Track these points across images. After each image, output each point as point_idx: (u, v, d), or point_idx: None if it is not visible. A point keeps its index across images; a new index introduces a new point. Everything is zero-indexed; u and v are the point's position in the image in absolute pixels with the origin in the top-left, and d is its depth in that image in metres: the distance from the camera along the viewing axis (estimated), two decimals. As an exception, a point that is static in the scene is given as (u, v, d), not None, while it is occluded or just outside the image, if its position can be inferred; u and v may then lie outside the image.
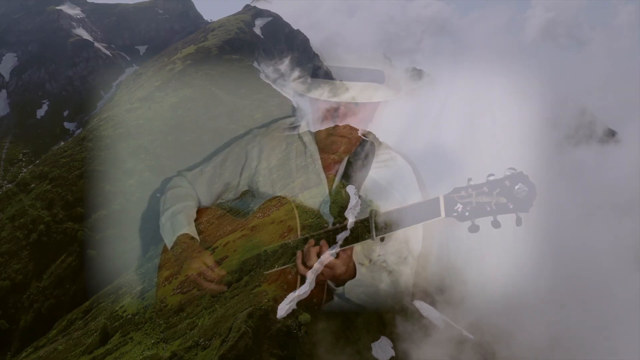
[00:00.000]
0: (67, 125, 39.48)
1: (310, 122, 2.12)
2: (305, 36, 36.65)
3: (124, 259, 25.66)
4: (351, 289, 1.83)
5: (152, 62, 38.47)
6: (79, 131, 37.07)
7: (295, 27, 37.60)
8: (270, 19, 37.52)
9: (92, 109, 40.77)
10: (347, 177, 2.00)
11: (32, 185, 31.86)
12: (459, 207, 1.40)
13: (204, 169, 2.24)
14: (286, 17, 37.51)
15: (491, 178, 1.38)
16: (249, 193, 2.20)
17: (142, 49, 46.17)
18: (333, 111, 1.97)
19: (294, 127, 2.20)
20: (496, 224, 1.36)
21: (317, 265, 1.69)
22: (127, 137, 30.32)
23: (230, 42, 33.93)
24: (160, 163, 28.16)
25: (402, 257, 1.92)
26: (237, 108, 29.25)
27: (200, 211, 2.22)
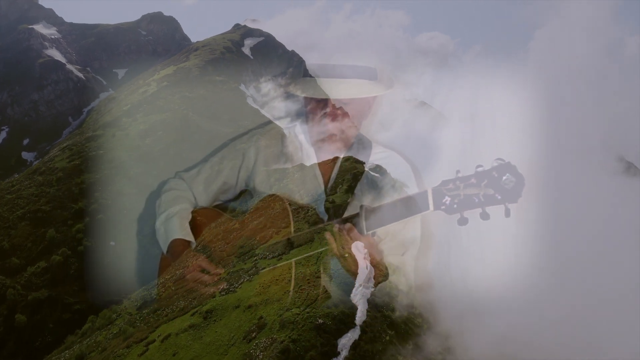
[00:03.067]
0: (25, 155, 34.45)
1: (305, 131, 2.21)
2: (300, 57, 32.29)
3: (57, 329, 20.21)
4: (380, 290, 1.73)
5: (127, 86, 33.89)
6: (37, 162, 32.04)
7: (289, 48, 33.21)
8: (261, 38, 33.26)
9: (56, 137, 35.86)
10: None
11: (-32, 226, 26.37)
12: (447, 199, 1.37)
13: (202, 170, 2.23)
14: (280, 38, 33.24)
15: (479, 169, 1.35)
16: (247, 193, 2.21)
17: (120, 72, 41.79)
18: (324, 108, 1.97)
19: (291, 127, 2.24)
20: (485, 216, 1.33)
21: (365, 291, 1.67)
22: (81, 170, 25.27)
23: (214, 62, 29.39)
24: (118, 204, 23.07)
25: (400, 253, 1.93)
26: (218, 136, 24.20)
27: (196, 213, 2.13)
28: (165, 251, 2.13)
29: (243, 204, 2.19)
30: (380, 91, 2.06)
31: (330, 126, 2.08)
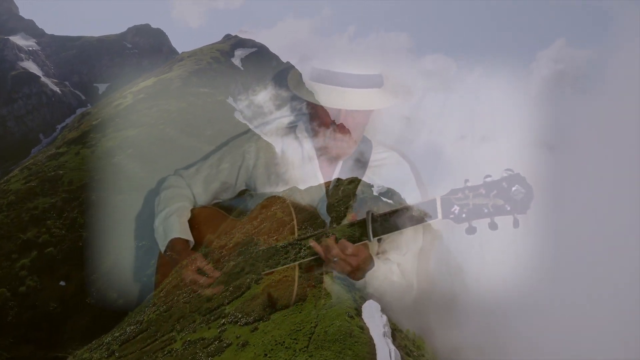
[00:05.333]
0: (-15, 175, 30.83)
1: (307, 129, 2.11)
2: (294, 78, 29.22)
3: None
4: (371, 281, 1.71)
5: (105, 100, 30.63)
6: (-4, 184, 28.41)
7: (284, 60, 30.13)
8: (254, 49, 30.29)
9: (23, 155, 32.36)
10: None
11: None
12: (456, 208, 1.37)
13: (201, 168, 2.20)
14: (275, 50, 30.26)
15: (488, 179, 1.36)
16: (247, 192, 2.16)
17: (102, 86, 38.66)
18: (331, 120, 1.93)
19: (292, 127, 2.16)
20: (493, 226, 1.34)
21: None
22: (36, 193, 21.65)
23: (199, 72, 26.21)
24: (73, 234, 19.43)
25: (401, 253, 1.89)
26: (199, 156, 20.73)
27: (195, 211, 2.06)
28: (163, 250, 2.01)
29: (242, 204, 2.10)
30: (386, 101, 1.93)
31: (335, 140, 1.97)
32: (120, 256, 19.05)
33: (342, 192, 1.86)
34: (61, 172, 21.97)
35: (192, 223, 2.09)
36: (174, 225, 2.03)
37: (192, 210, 2.12)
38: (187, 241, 2.01)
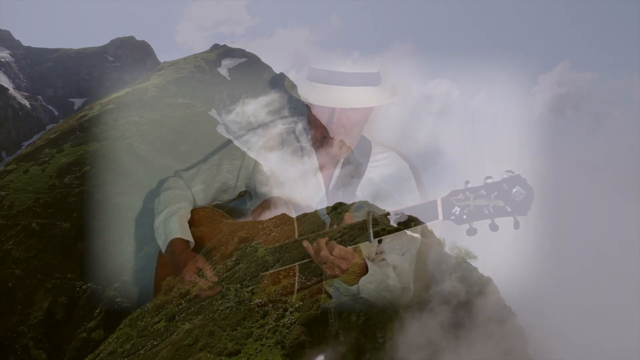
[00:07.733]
0: None
1: (305, 130, 2.06)
2: (291, 81, 26.20)
3: None
4: (365, 286, 1.73)
5: (74, 115, 27.27)
6: (-58, 207, 24.74)
7: (277, 71, 27.13)
8: (244, 59, 27.32)
9: (-20, 175, 28.83)
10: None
11: None
12: (457, 210, 1.35)
13: (200, 169, 2.15)
14: (269, 60, 27.26)
15: (489, 181, 1.33)
16: (247, 193, 2.13)
17: (78, 101, 35.49)
18: (328, 119, 1.91)
19: (291, 128, 2.13)
20: (494, 227, 1.33)
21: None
22: (-32, 219, 18.03)
23: (179, 82, 23.01)
24: (4, 271, 15.72)
25: (400, 253, 1.86)
26: (170, 174, 17.20)
27: (195, 212, 2.06)
28: (164, 251, 1.98)
29: (242, 204, 2.08)
30: (382, 99, 1.90)
31: (332, 141, 1.98)
32: (59, 301, 15.41)
33: (342, 194, 1.82)
34: (3, 193, 18.37)
35: (192, 224, 2.01)
36: (174, 225, 1.96)
37: (192, 211, 2.04)
38: (187, 242, 1.95)
